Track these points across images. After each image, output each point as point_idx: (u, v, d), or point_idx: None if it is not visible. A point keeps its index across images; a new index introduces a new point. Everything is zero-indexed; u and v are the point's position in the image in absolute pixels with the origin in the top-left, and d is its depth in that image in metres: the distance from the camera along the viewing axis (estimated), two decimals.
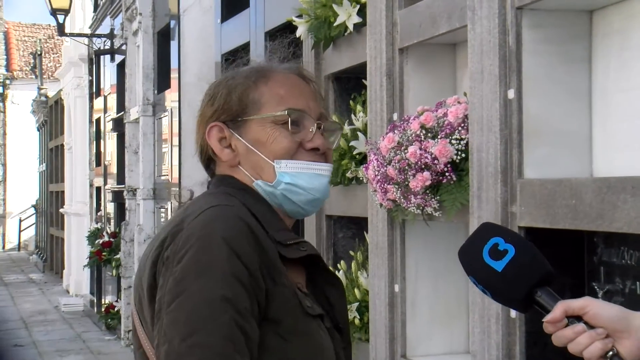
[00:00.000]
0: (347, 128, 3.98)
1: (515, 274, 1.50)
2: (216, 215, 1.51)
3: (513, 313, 2.76)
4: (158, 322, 1.47)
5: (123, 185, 10.98)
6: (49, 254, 21.05)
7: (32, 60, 28.10)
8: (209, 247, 1.46)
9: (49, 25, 28.40)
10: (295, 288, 1.53)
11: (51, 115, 20.60)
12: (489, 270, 1.51)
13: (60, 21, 12.23)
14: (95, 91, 14.53)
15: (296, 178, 1.61)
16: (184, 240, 1.48)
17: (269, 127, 1.62)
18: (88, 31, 13.91)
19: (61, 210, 18.12)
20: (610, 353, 1.43)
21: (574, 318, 1.46)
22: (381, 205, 3.47)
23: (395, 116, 3.59)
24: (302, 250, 1.57)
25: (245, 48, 5.97)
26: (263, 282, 1.47)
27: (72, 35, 13.98)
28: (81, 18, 15.84)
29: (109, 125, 12.84)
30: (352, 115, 4.09)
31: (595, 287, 2.77)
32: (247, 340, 1.43)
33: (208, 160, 1.70)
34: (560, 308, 1.45)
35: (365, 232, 4.01)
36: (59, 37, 18.28)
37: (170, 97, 9.23)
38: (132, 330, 1.64)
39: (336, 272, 4.18)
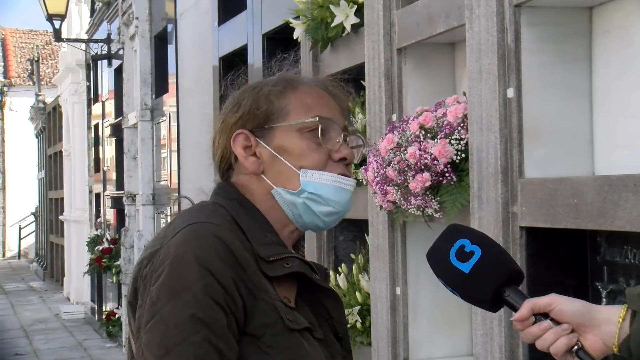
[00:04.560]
0: None
1: (482, 275, 1.51)
2: (191, 234, 1.51)
3: None
4: (138, 340, 1.51)
5: (122, 191, 10.96)
6: (49, 261, 21.03)
7: (29, 67, 28.10)
8: (181, 268, 1.47)
9: (46, 31, 28.39)
10: (279, 302, 1.52)
11: (49, 122, 20.60)
12: (457, 272, 1.53)
13: (57, 27, 12.18)
14: (93, 97, 14.52)
15: (320, 189, 1.61)
16: (160, 261, 1.50)
17: (296, 135, 1.61)
18: (85, 36, 13.89)
19: (61, 217, 18.10)
20: (575, 347, 1.47)
21: (541, 315, 1.49)
22: (381, 207, 3.44)
23: (394, 117, 3.56)
24: (286, 267, 1.55)
25: (242, 51, 5.96)
26: (240, 299, 1.48)
27: (68, 40, 13.95)
28: (78, 23, 15.81)
29: (108, 131, 12.82)
30: (351, 117, 4.06)
31: (599, 287, 2.74)
32: (222, 358, 1.44)
33: (227, 167, 1.68)
34: (527, 306, 1.50)
35: (365, 235, 3.98)
36: (56, 43, 18.26)
37: (169, 101, 9.20)
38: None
39: (337, 276, 4.16)
